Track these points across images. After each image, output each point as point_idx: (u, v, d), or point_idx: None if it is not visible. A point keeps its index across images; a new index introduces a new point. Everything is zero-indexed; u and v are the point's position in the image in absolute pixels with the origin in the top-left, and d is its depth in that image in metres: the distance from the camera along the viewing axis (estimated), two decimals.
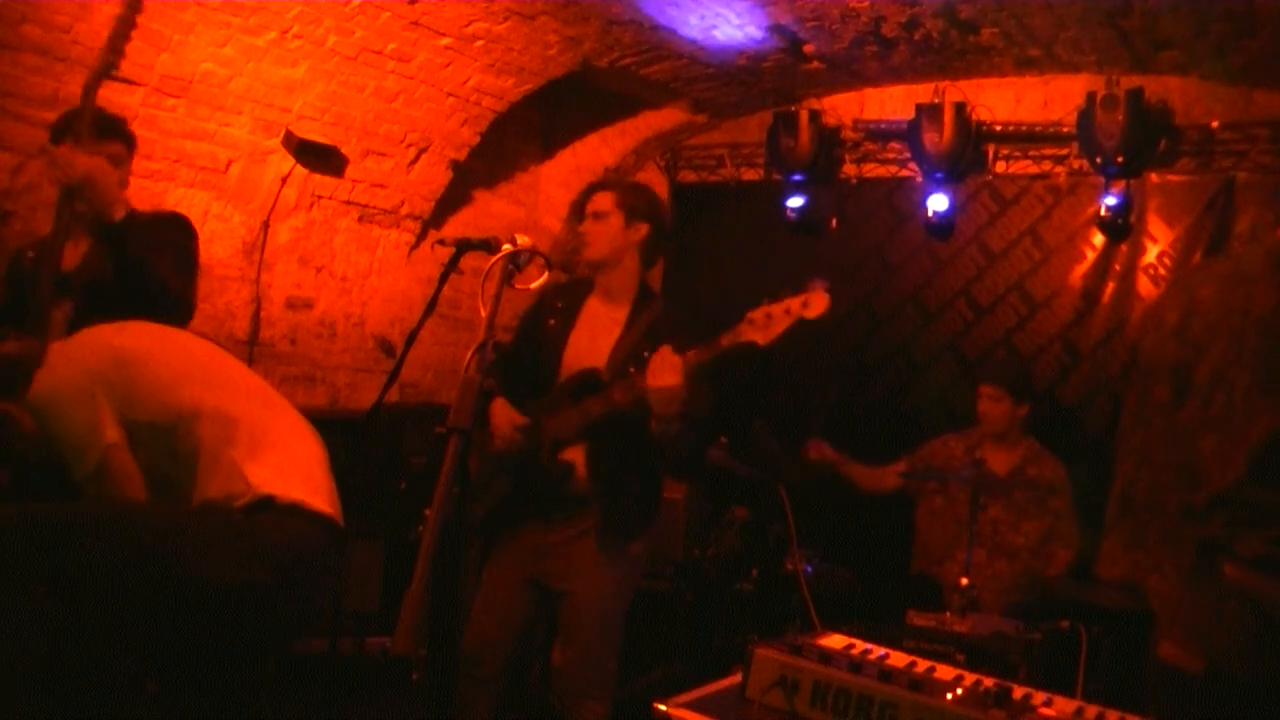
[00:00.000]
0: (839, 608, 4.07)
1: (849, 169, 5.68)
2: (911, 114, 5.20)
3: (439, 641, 2.04)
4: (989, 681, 1.75)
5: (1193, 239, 4.80)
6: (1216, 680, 1.77)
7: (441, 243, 2.85)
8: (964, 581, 3.75)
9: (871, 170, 5.65)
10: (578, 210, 3.29)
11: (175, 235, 3.02)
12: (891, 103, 5.51)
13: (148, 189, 4.37)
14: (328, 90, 4.69)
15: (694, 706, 1.77)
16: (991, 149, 5.28)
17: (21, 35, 3.83)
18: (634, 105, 5.81)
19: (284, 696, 2.88)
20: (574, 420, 2.96)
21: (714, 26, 4.75)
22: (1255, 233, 4.63)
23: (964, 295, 5.31)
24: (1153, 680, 1.92)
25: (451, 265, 2.72)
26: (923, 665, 1.83)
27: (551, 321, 3.18)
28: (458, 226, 5.75)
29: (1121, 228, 4.89)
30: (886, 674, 1.70)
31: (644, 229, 3.11)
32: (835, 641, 1.92)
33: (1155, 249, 4.89)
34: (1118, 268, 4.96)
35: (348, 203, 5.22)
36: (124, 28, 3.09)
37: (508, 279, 2.07)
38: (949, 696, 1.64)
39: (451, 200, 5.66)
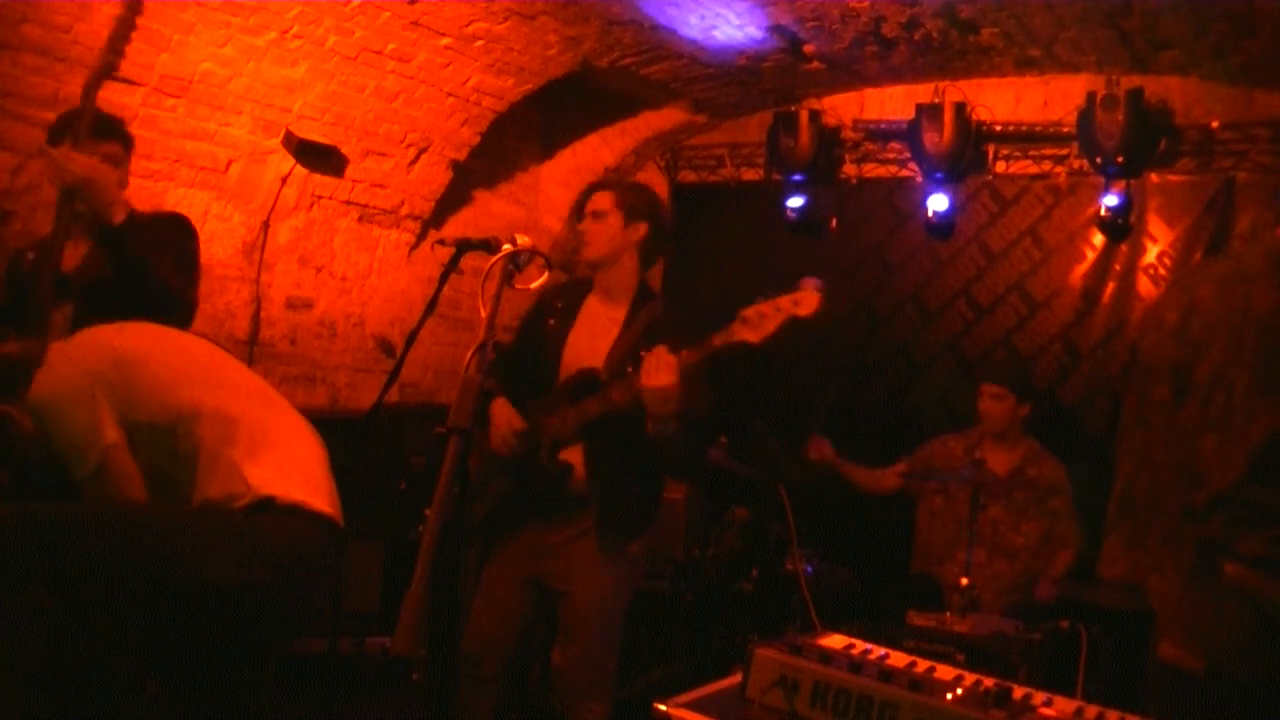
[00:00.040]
0: (839, 608, 4.07)
1: (849, 169, 5.68)
2: (911, 114, 5.20)
3: (439, 641, 2.04)
4: (989, 681, 1.75)
5: (1193, 239, 4.80)
6: (1216, 680, 1.77)
7: (441, 243, 2.85)
8: (964, 581, 3.76)
9: (871, 170, 5.65)
10: (578, 209, 3.29)
11: (176, 236, 3.02)
12: (891, 103, 5.51)
13: (148, 189, 4.37)
14: (328, 90, 4.69)
15: (694, 706, 1.77)
16: (991, 149, 5.28)
17: (21, 35, 3.83)
18: (634, 105, 5.81)
19: (284, 696, 2.88)
20: (572, 420, 2.96)
21: (714, 26, 4.75)
22: (1255, 233, 4.63)
23: (964, 295, 5.31)
24: (1153, 680, 1.93)
25: (451, 265, 2.72)
26: (923, 665, 1.83)
27: (551, 321, 3.19)
28: (458, 226, 5.75)
29: (1121, 228, 4.89)
30: (886, 674, 1.70)
31: (643, 229, 3.11)
32: (835, 641, 1.92)
33: (1155, 249, 4.89)
34: (1118, 268, 4.96)
35: (348, 203, 5.22)
36: (124, 28, 3.10)
37: (508, 279, 2.07)
38: (949, 696, 1.64)
39: (451, 200, 5.66)
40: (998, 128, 5.20)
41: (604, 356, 3.02)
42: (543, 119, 6.10)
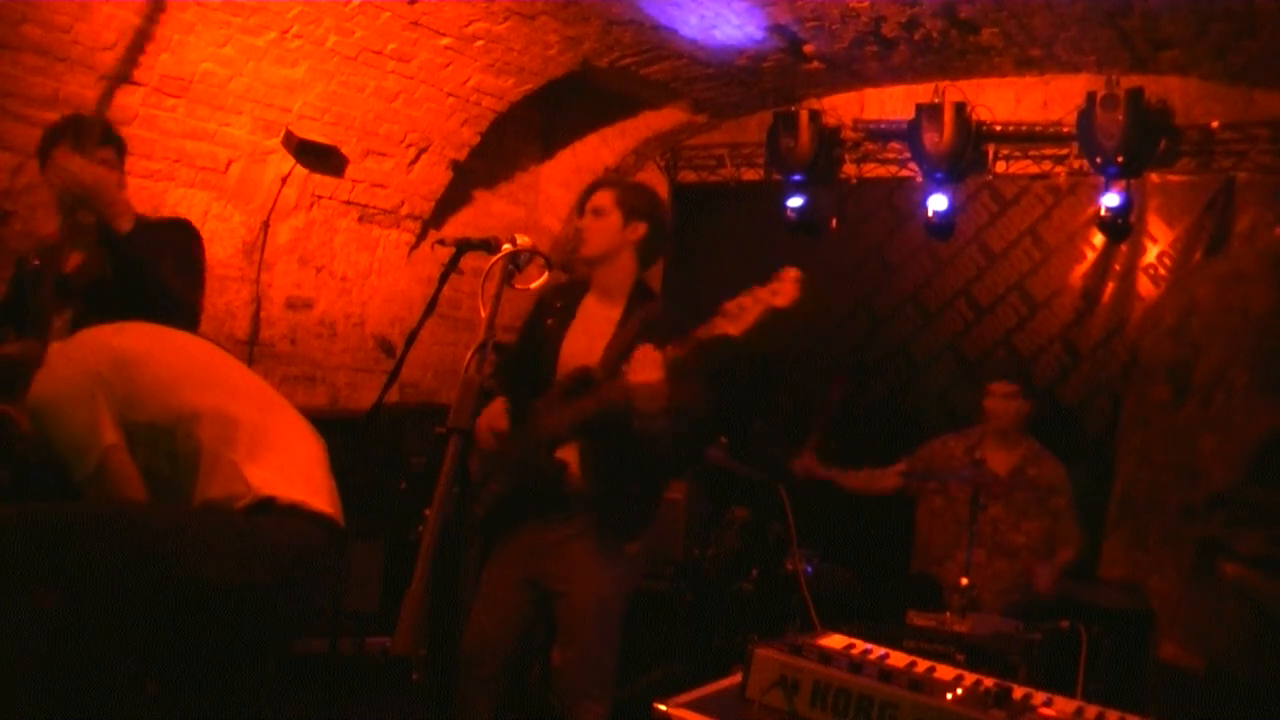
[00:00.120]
0: (839, 608, 4.07)
1: (849, 169, 5.68)
2: (911, 114, 5.20)
3: (439, 641, 2.04)
4: (989, 681, 1.75)
5: (1193, 239, 4.80)
6: (1216, 680, 1.77)
7: (441, 243, 2.85)
8: (964, 581, 3.76)
9: (871, 170, 5.65)
10: (579, 207, 3.29)
11: (182, 241, 3.02)
12: (891, 103, 5.51)
13: (148, 189, 4.37)
14: (328, 90, 4.69)
15: (694, 706, 1.77)
16: (991, 149, 5.28)
17: (21, 35, 3.84)
18: (634, 105, 5.81)
19: (284, 696, 2.88)
20: (566, 419, 2.96)
21: (714, 26, 4.75)
22: (1255, 232, 4.63)
23: (964, 295, 5.31)
24: (1153, 680, 1.93)
25: (451, 265, 2.72)
26: (923, 665, 1.83)
27: (550, 321, 3.19)
28: (458, 226, 5.75)
29: (1121, 228, 4.89)
30: (886, 674, 1.70)
31: (642, 228, 3.11)
32: (835, 641, 1.92)
33: (1155, 249, 4.89)
34: (1118, 268, 4.96)
35: (348, 203, 5.22)
36: (141, 39, 3.09)
37: (508, 279, 2.06)
38: (949, 696, 1.64)
39: (451, 200, 5.66)
40: (998, 128, 5.20)
41: (599, 355, 3.03)
42: (543, 119, 6.10)
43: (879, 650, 1.89)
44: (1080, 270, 5.05)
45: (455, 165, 5.43)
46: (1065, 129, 5.00)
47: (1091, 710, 1.74)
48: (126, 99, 4.15)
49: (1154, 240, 4.89)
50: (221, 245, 4.77)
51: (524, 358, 3.21)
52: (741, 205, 5.89)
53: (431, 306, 2.78)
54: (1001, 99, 5.21)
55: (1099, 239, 5.00)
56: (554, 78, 5.15)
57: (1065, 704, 1.74)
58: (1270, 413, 1.75)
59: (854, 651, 1.86)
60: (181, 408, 2.32)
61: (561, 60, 5.03)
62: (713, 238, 5.83)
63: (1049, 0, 4.27)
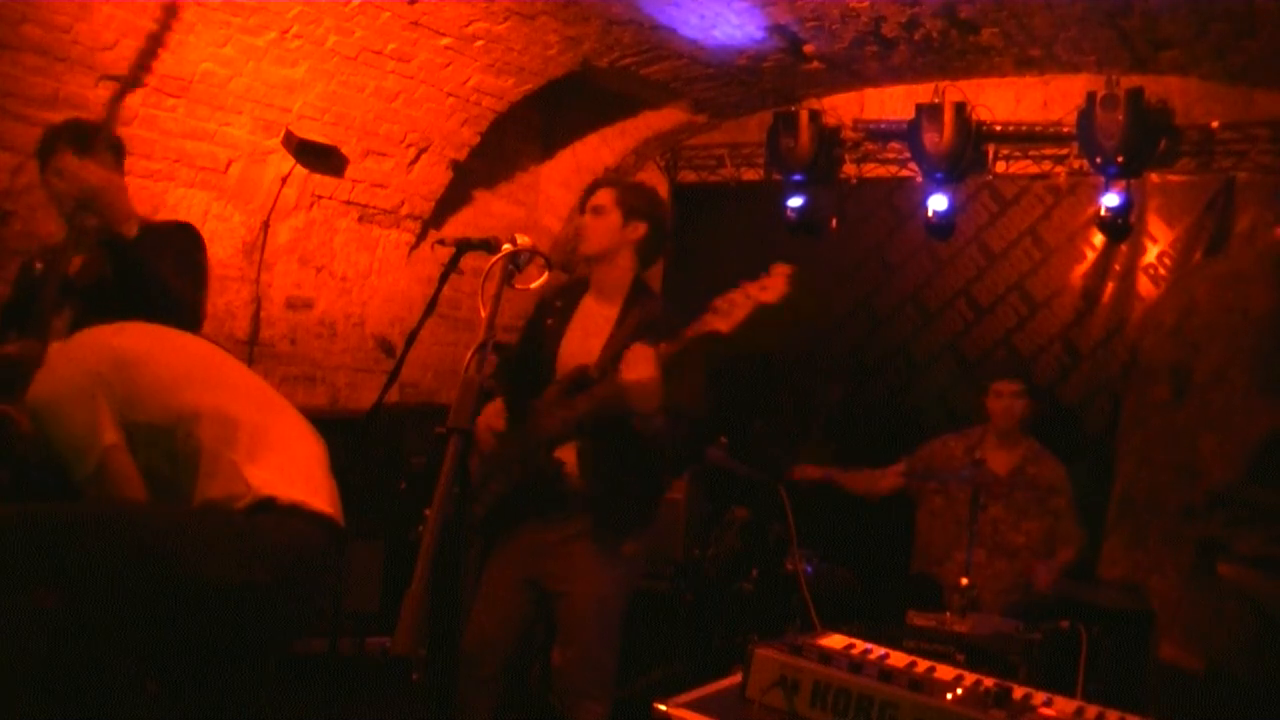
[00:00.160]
0: (839, 608, 4.07)
1: (849, 169, 5.68)
2: (911, 114, 5.20)
3: (439, 641, 2.04)
4: (989, 681, 1.75)
5: (1193, 239, 4.80)
6: (1216, 680, 1.77)
7: (441, 243, 2.85)
8: (964, 581, 3.76)
9: (871, 170, 5.65)
10: (580, 205, 3.29)
11: (186, 246, 3.02)
12: (891, 103, 5.51)
13: (148, 189, 4.37)
14: (328, 90, 4.69)
15: (694, 706, 1.77)
16: (991, 149, 5.28)
17: (21, 35, 3.84)
18: (634, 105, 5.81)
19: (284, 696, 2.88)
20: (564, 419, 2.96)
21: (714, 26, 4.75)
22: (1255, 233, 4.63)
23: (964, 295, 5.31)
24: (1153, 680, 1.93)
25: (451, 265, 2.72)
26: (923, 665, 1.83)
27: (549, 321, 3.20)
28: (458, 226, 5.76)
29: (1121, 228, 4.89)
30: (886, 674, 1.70)
31: (641, 228, 3.11)
32: (835, 641, 1.92)
33: (1155, 249, 4.89)
34: (1118, 268, 4.96)
35: (348, 203, 5.22)
36: (153, 45, 3.09)
37: (508, 279, 2.06)
38: (949, 696, 1.64)
39: (451, 200, 5.66)
40: (998, 128, 5.20)
41: (597, 354, 3.03)
42: (543, 119, 6.10)
43: (879, 650, 1.89)
44: (1080, 270, 5.05)
45: (455, 165, 5.43)
46: (1065, 129, 5.00)
47: (1091, 710, 1.74)
48: (126, 99, 4.15)
49: (1154, 240, 4.89)
50: (221, 245, 4.77)
51: (525, 358, 3.22)
52: (741, 205, 5.89)
53: (431, 306, 2.78)
54: (1001, 99, 5.21)
55: (1099, 239, 5.00)
56: (554, 78, 5.15)
57: (1065, 704, 1.74)
58: (1270, 412, 1.75)
59: (854, 651, 1.86)
60: (181, 408, 2.32)
61: (561, 60, 5.03)
62: (713, 238, 5.83)
63: (1049, 0, 4.27)
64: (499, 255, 2.06)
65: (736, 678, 1.83)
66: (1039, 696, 1.75)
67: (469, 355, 1.91)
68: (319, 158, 4.84)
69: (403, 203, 5.42)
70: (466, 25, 4.61)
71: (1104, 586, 2.71)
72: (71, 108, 3.93)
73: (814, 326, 5.41)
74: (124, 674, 2.23)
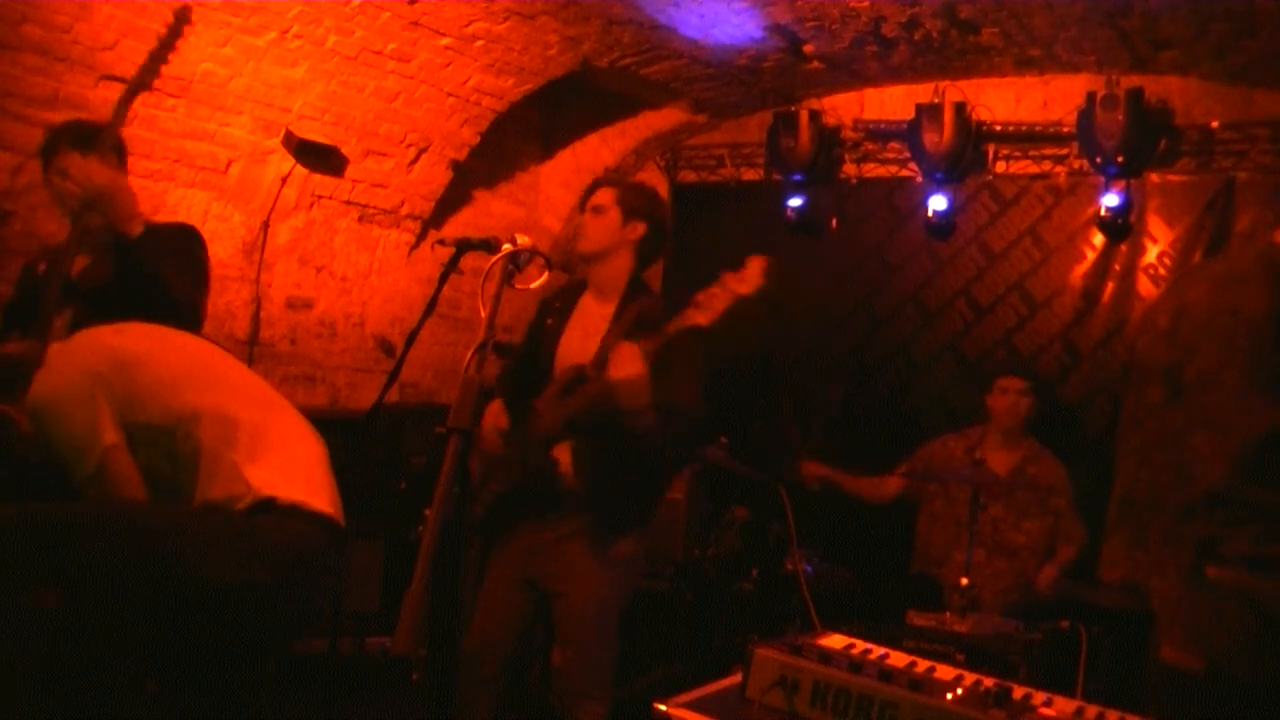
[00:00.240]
0: (839, 608, 4.07)
1: (849, 169, 5.68)
2: (911, 114, 5.20)
3: (439, 641, 2.04)
4: (989, 681, 1.75)
5: (1193, 239, 4.80)
6: (1216, 680, 1.77)
7: (441, 243, 2.85)
8: (964, 582, 3.76)
9: (871, 170, 5.64)
10: (581, 204, 3.30)
11: (189, 247, 3.02)
12: (891, 103, 5.51)
13: (148, 189, 4.37)
14: (328, 90, 4.69)
15: (694, 706, 1.76)
16: (991, 149, 5.28)
17: (21, 35, 3.84)
18: (634, 105, 5.81)
19: (284, 696, 2.88)
20: (557, 418, 2.97)
21: (714, 26, 4.75)
22: (1255, 233, 4.63)
23: (964, 295, 5.31)
24: (1153, 680, 1.93)
25: (451, 265, 2.72)
26: (923, 665, 1.83)
27: (549, 321, 3.21)
28: (458, 226, 5.76)
29: (1121, 228, 4.89)
30: (886, 674, 1.70)
31: (640, 228, 3.11)
32: (835, 641, 1.92)
33: (1155, 249, 4.89)
34: (1118, 268, 4.96)
35: (348, 203, 5.22)
36: (163, 50, 3.08)
37: (508, 279, 2.06)
38: (949, 696, 1.64)
39: (451, 200, 5.66)
40: (998, 128, 5.20)
41: (593, 353, 3.03)
42: (543, 119, 6.10)
43: (879, 650, 1.89)
44: (1080, 270, 5.05)
45: (455, 165, 5.43)
46: (1065, 129, 5.00)
47: (1091, 710, 1.74)
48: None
49: (1154, 240, 4.89)
50: (221, 245, 4.77)
51: (528, 358, 3.23)
52: (741, 205, 5.89)
53: (431, 306, 2.78)
54: (1001, 99, 5.21)
55: (1099, 239, 5.00)
56: (554, 78, 5.15)
57: (1065, 704, 1.74)
58: (1267, 411, 1.75)
59: (854, 651, 1.86)
60: (182, 408, 2.32)
61: (561, 60, 5.03)
62: (713, 238, 5.82)
63: (1049, 0, 4.27)
64: (499, 255, 2.06)
65: (736, 678, 1.82)
66: (1039, 696, 1.75)
67: (469, 355, 1.91)
68: (319, 158, 4.84)
69: (403, 203, 5.42)
70: (466, 25, 4.61)
71: (1104, 586, 2.71)
72: (71, 108, 3.93)
73: (798, 322, 5.41)
74: (124, 674, 2.23)
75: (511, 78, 5.08)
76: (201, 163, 4.57)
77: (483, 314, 1.98)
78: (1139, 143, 4.66)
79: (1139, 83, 4.69)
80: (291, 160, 4.74)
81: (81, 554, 2.09)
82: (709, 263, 2.85)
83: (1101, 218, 4.91)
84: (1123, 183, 4.83)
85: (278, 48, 4.40)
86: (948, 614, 3.64)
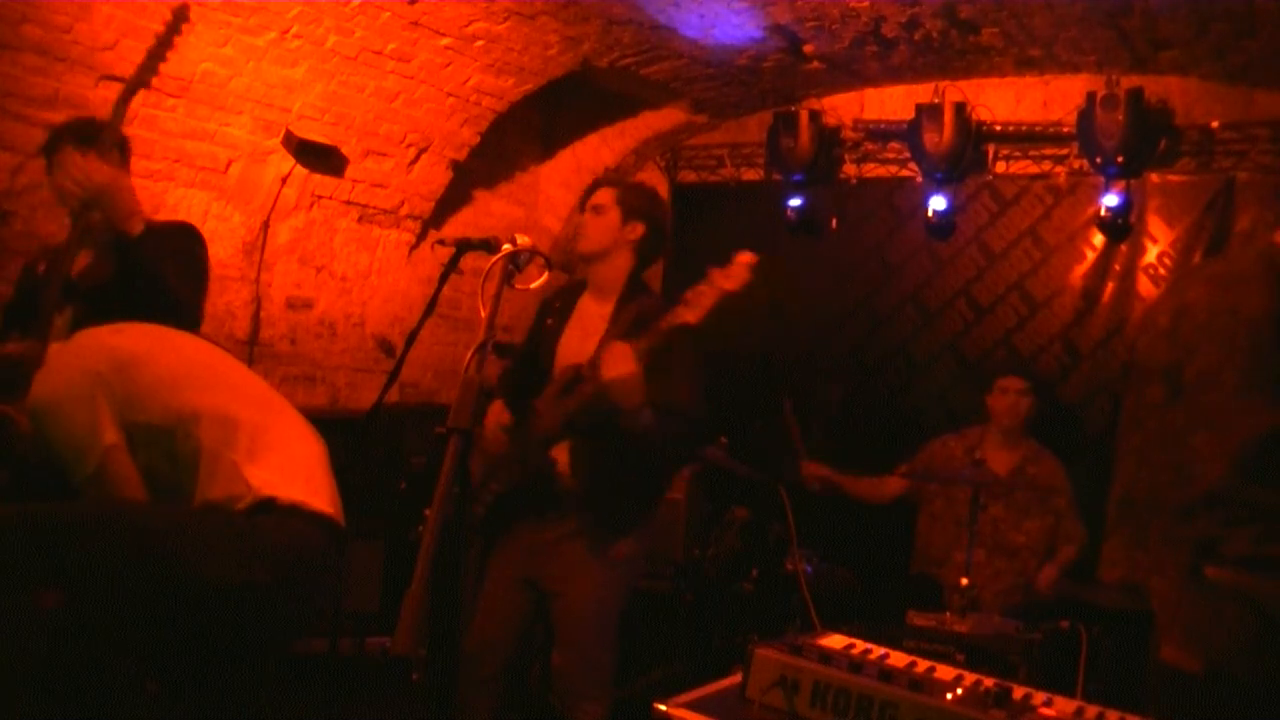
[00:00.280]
0: (839, 608, 4.07)
1: (849, 169, 5.68)
2: (911, 114, 5.20)
3: (439, 641, 2.04)
4: (989, 681, 1.75)
5: (1193, 239, 4.80)
6: (1216, 680, 1.77)
7: (441, 243, 2.85)
8: (964, 582, 3.76)
9: (871, 170, 5.64)
10: (581, 204, 3.30)
11: (190, 246, 3.02)
12: (891, 103, 5.51)
13: (148, 189, 4.36)
14: (328, 90, 4.70)
15: (694, 706, 1.76)
16: (991, 149, 5.28)
17: (21, 35, 3.84)
18: (634, 105, 5.81)
19: (284, 696, 2.88)
20: (556, 418, 2.97)
21: (714, 26, 4.75)
22: (1255, 233, 4.63)
23: (964, 295, 5.31)
24: (1153, 680, 1.93)
25: (451, 265, 2.72)
26: (923, 665, 1.83)
27: (549, 321, 3.21)
28: (458, 226, 5.76)
29: (1121, 228, 4.89)
30: (886, 674, 1.70)
31: (640, 228, 3.12)
32: (835, 641, 1.92)
33: (1155, 249, 4.89)
34: (1118, 268, 4.96)
35: (348, 203, 5.22)
36: (161, 48, 3.08)
37: (508, 279, 2.07)
38: (949, 696, 1.64)
39: (451, 200, 5.66)
40: (998, 128, 5.20)
41: (591, 353, 3.03)
42: (543, 119, 6.10)
43: (879, 650, 1.89)
44: (1080, 270, 5.05)
45: (455, 165, 5.43)
46: (1065, 129, 5.00)
47: (1091, 710, 1.74)
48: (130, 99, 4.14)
49: (1154, 240, 4.89)
50: (221, 245, 4.77)
51: (528, 358, 3.23)
52: (741, 205, 5.89)
53: (431, 306, 2.78)
54: (1001, 99, 5.21)
55: (1099, 239, 5.00)
56: (554, 78, 5.15)
57: (1065, 704, 1.74)
58: (1267, 411, 1.75)
59: (854, 651, 1.86)
60: (181, 408, 2.32)
61: (561, 60, 5.03)
62: (713, 238, 5.81)
63: (1049, 0, 4.27)
64: (499, 255, 2.07)
65: (736, 678, 1.82)
66: (1039, 696, 1.74)
67: (469, 355, 1.91)
68: (319, 158, 4.84)
69: (403, 203, 5.42)
70: (466, 25, 4.61)
71: (1104, 586, 2.71)
72: (71, 108, 3.93)
73: (797, 322, 5.41)
74: (124, 674, 2.23)
75: (511, 78, 5.08)
76: (201, 163, 4.58)
77: (483, 314, 1.98)
78: (1139, 143, 4.66)
79: (1139, 83, 4.69)
80: (291, 160, 4.74)
81: (81, 554, 2.09)
82: (709, 263, 2.85)
83: (1101, 218, 4.91)
84: (1123, 183, 4.83)
85: (278, 48, 4.40)
86: (948, 614, 3.64)
